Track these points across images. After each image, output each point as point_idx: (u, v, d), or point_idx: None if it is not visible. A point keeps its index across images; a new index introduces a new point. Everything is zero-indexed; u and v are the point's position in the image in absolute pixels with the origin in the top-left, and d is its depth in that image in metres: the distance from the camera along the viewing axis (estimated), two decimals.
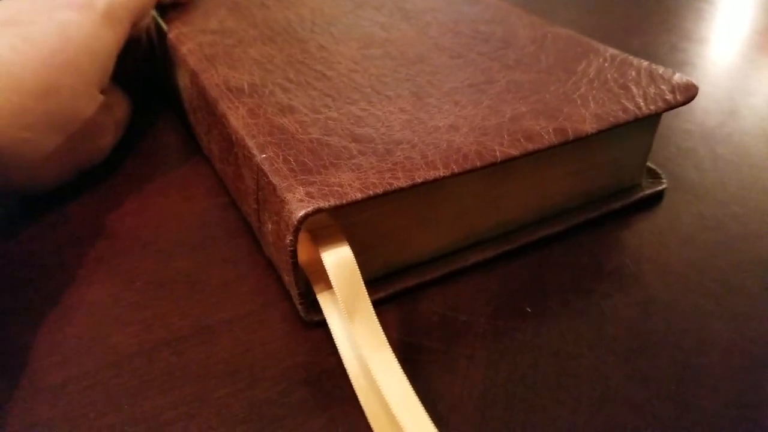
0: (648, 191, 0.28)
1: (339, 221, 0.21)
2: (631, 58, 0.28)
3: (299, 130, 0.23)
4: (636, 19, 0.52)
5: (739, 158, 0.32)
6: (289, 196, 0.20)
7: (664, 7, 0.55)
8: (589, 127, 0.23)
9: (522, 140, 0.22)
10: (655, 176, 0.30)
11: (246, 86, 0.26)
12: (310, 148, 0.22)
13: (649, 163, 0.30)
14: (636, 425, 0.19)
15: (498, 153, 0.22)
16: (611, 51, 0.29)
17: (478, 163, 0.21)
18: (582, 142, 0.24)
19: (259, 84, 0.26)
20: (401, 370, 0.18)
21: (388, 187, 0.20)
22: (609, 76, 0.27)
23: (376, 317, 0.19)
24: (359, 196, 0.19)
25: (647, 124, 0.27)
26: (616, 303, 0.23)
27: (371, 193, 0.20)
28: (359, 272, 0.19)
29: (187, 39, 0.31)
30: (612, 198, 0.28)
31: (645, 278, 0.24)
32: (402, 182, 0.20)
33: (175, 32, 0.32)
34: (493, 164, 0.21)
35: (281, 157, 0.21)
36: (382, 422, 0.18)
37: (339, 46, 0.30)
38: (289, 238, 0.19)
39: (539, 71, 0.27)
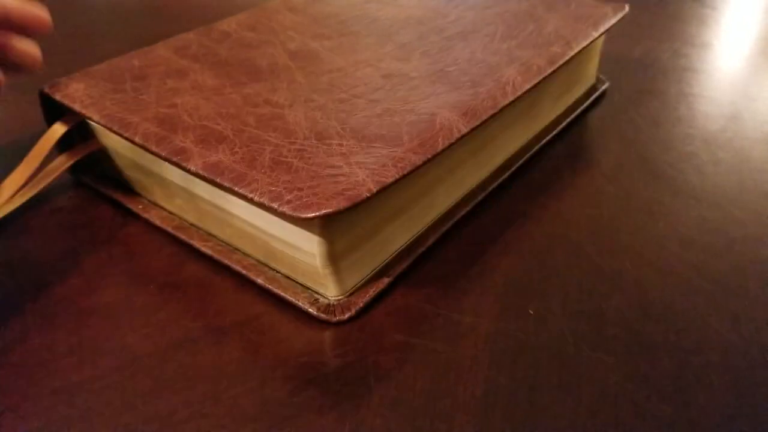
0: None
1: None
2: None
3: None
4: (639, 24, 0.52)
5: (740, 162, 0.32)
6: None
7: (667, 13, 0.55)
8: None
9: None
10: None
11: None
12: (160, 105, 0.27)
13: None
14: (635, 423, 0.19)
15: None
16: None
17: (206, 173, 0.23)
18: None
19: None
20: None
21: (129, 133, 0.25)
22: None
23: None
24: (95, 117, 0.27)
25: None
26: (617, 304, 0.23)
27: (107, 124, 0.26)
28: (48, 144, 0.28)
29: None
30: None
31: (645, 280, 0.25)
32: (153, 147, 0.24)
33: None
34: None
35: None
36: None
37: (347, 39, 0.33)
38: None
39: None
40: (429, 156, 0.23)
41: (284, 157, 0.23)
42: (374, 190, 0.21)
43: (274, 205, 0.21)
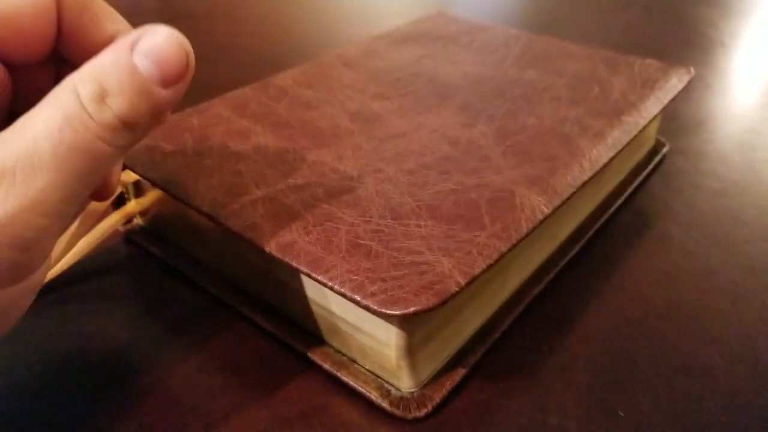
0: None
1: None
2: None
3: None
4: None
5: None
6: None
7: (715, 67, 0.54)
8: None
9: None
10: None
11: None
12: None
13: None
14: None
15: None
16: None
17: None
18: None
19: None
20: None
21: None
22: None
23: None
24: (159, 182, 0.26)
25: None
26: (712, 407, 0.22)
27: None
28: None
29: None
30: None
31: (738, 379, 0.23)
32: (223, 220, 0.23)
33: None
34: None
35: None
36: None
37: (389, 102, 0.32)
38: None
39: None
40: (514, 242, 0.22)
41: (361, 239, 0.22)
42: (463, 284, 0.20)
43: (357, 297, 0.20)
